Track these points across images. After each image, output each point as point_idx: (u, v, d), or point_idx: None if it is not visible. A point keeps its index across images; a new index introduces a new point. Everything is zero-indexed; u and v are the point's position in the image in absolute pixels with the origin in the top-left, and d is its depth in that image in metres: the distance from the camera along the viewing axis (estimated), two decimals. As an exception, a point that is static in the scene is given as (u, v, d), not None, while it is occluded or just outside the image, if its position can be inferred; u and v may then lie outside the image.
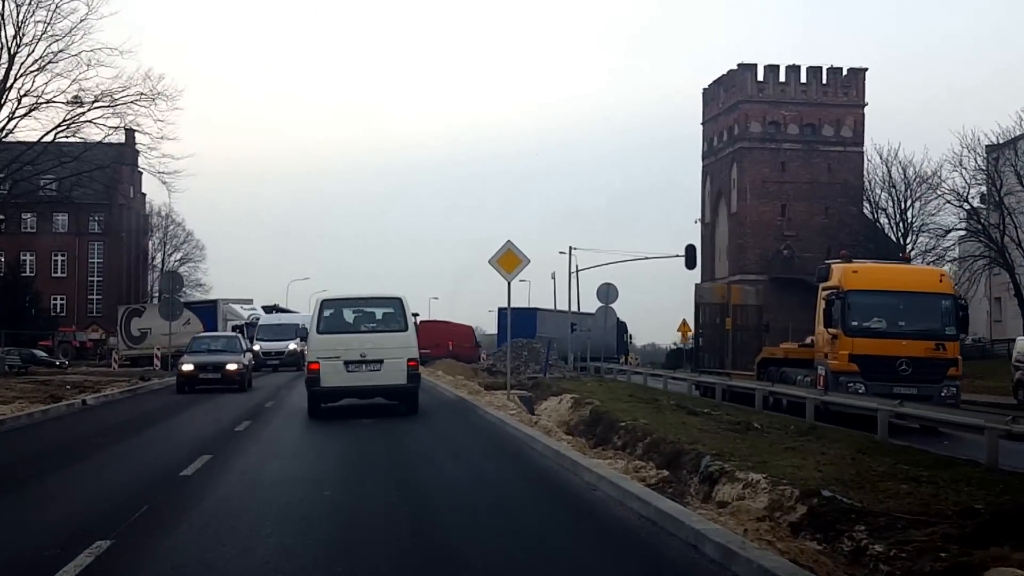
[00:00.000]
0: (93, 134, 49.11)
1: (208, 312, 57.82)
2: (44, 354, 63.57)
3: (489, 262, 22.95)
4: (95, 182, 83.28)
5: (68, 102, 47.91)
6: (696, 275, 78.48)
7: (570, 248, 61.74)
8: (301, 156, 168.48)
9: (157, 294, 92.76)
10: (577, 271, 67.40)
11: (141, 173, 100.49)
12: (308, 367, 20.75)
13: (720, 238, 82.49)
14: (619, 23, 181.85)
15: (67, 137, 51.03)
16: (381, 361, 20.13)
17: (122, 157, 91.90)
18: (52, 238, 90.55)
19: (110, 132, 48.51)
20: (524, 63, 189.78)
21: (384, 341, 20.36)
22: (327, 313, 20.86)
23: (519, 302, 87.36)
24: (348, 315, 21.45)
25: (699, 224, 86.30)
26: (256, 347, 44.89)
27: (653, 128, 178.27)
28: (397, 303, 20.96)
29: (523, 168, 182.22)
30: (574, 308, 65.82)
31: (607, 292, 45.39)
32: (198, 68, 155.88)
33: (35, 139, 50.00)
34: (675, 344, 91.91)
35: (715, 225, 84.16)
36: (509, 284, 23.47)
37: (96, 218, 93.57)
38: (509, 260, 22.95)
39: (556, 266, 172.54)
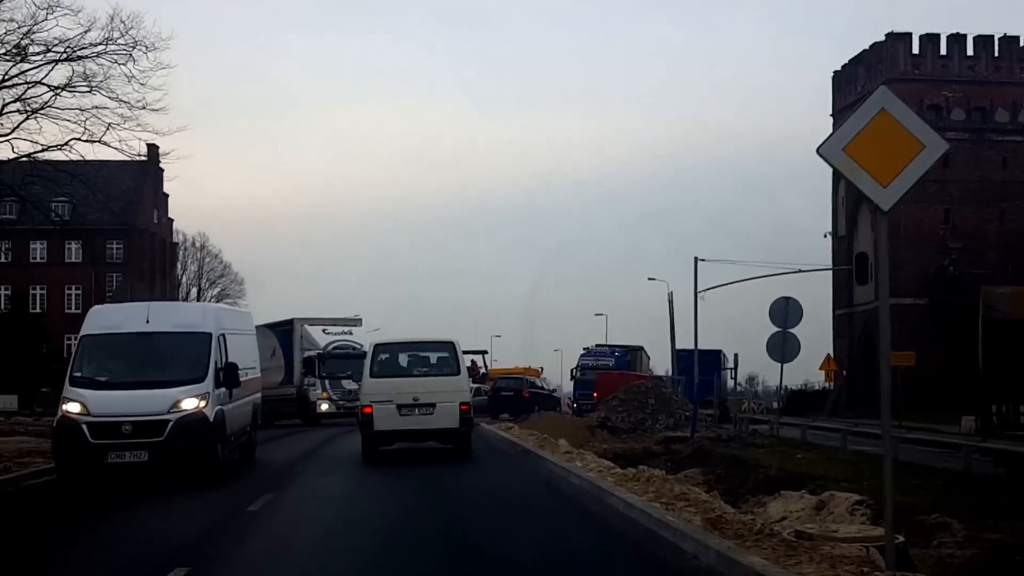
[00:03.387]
0: (46, 98, 34.61)
1: (284, 338, 43.73)
2: None
3: (821, 152, 8.15)
4: (112, 202, 70.08)
5: (8, 53, 33.76)
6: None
7: (695, 260, 46.76)
8: (358, 196, 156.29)
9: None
10: (673, 297, 53.81)
11: (167, 196, 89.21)
12: (361, 411, 20.88)
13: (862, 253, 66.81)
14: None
15: (21, 111, 36.61)
16: (433, 405, 20.29)
17: (143, 176, 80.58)
18: (64, 269, 78.56)
19: (60, 90, 33.63)
20: (597, 84, 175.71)
21: (437, 385, 20.57)
22: (381, 357, 21.16)
23: (590, 339, 73.90)
24: (402, 359, 21.62)
25: (830, 238, 71.05)
26: (70, 406, 17.02)
27: (757, 131, 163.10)
28: (450, 347, 21.31)
29: (596, 198, 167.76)
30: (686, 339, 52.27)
31: (785, 311, 30.25)
32: (256, 112, 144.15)
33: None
34: (804, 384, 76.46)
35: (853, 238, 68.48)
36: (884, 217, 8.34)
37: (114, 246, 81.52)
38: (881, 141, 8.02)
39: (643, 298, 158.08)
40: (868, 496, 14.72)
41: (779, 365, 31.26)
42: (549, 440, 22.95)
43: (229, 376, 18.01)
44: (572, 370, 60.87)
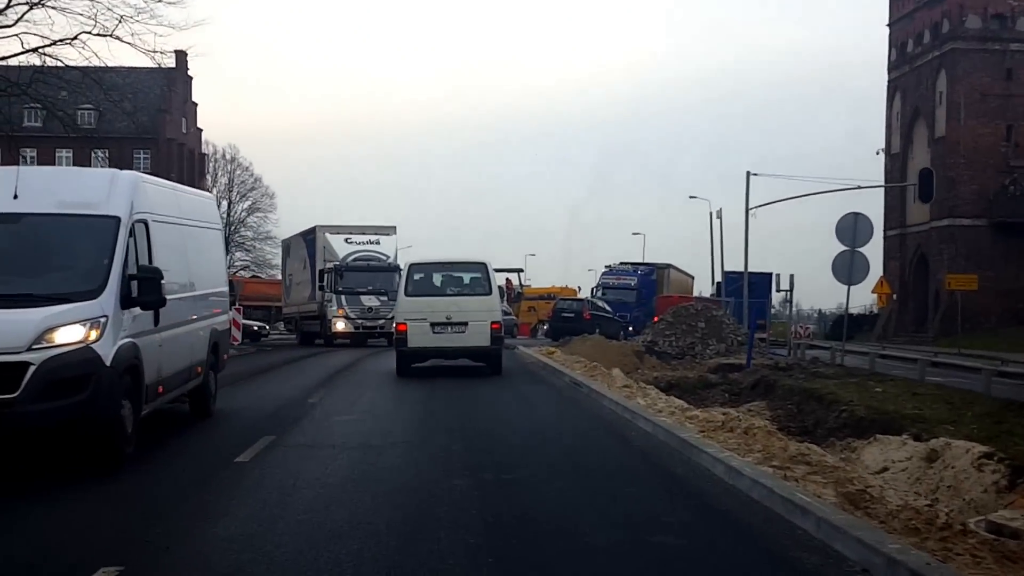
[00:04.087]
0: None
1: (309, 248, 41.32)
2: (261, 325, 50.86)
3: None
4: (140, 111, 67.96)
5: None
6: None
7: (747, 175, 43.83)
8: (393, 114, 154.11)
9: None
10: (718, 218, 50.80)
11: (196, 105, 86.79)
12: (396, 328, 21.95)
13: (916, 172, 63.47)
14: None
15: (27, 2, 33.99)
16: (466, 323, 21.17)
17: (171, 84, 78.10)
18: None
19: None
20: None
21: (469, 304, 21.41)
22: (416, 277, 21.88)
23: (627, 259, 71.09)
24: (436, 279, 22.28)
25: (882, 155, 67.81)
26: None
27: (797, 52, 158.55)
28: (482, 268, 22.15)
29: (632, 118, 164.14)
30: (733, 260, 49.68)
31: (854, 227, 27.50)
32: (291, 31, 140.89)
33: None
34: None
35: (907, 155, 65.22)
36: None
37: (141, 155, 79.80)
38: None
39: (684, 217, 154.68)
40: (993, 446, 12.25)
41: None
42: (600, 369, 20.45)
43: (146, 288, 10.82)
44: (592, 289, 58.17)
